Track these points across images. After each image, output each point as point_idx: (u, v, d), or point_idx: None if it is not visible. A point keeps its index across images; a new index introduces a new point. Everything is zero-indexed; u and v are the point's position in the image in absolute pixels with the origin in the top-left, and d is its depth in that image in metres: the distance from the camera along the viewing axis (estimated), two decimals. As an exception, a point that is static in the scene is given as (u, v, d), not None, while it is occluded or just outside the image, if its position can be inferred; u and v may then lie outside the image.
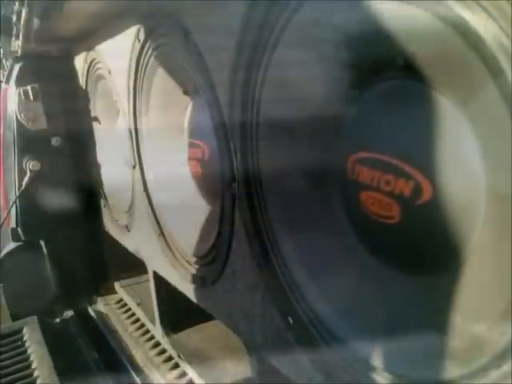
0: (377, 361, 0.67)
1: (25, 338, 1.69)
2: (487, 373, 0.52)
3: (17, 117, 1.82)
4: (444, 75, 0.55)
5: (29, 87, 1.80)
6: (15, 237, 1.95)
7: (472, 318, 0.56)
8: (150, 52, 1.18)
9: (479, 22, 0.45)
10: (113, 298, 2.10)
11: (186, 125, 1.26)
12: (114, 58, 1.45)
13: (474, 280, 0.57)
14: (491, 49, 0.45)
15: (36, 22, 1.19)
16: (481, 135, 0.53)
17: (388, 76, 0.64)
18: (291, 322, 0.83)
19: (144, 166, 1.42)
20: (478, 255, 0.57)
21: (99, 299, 2.11)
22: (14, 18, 1.27)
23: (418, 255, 0.66)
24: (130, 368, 1.59)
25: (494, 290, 0.53)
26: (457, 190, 0.58)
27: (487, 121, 0.51)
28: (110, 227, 1.96)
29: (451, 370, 0.56)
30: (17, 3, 1.16)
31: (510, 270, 0.49)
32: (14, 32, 1.45)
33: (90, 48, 1.66)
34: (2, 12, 1.92)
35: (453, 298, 0.58)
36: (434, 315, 0.61)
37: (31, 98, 1.80)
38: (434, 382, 0.58)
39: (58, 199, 1.97)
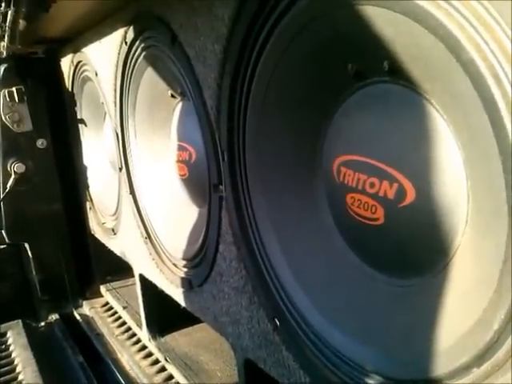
0: (363, 362, 0.68)
1: (9, 342, 1.68)
2: (469, 371, 0.53)
3: (1, 119, 1.81)
4: (427, 81, 0.56)
5: (14, 89, 1.79)
6: (-1, 240, 1.94)
7: (453, 319, 0.57)
8: (137, 54, 1.19)
9: (459, 29, 0.46)
10: (98, 301, 2.08)
11: (172, 127, 1.26)
12: (101, 60, 1.44)
13: (456, 281, 0.58)
14: (470, 55, 0.46)
15: (22, 23, 1.18)
16: (462, 139, 0.54)
17: (373, 81, 0.65)
18: (278, 324, 0.84)
19: (130, 168, 1.41)
20: (461, 256, 0.58)
21: (85, 302, 2.10)
22: (-1, 19, 1.26)
23: (403, 256, 0.67)
24: (116, 371, 1.58)
25: (476, 291, 0.54)
26: (439, 193, 0.59)
27: (468, 125, 0.52)
28: (96, 230, 1.95)
29: (436, 369, 0.57)
30: (3, 4, 1.15)
31: (491, 271, 0.50)
32: (-1, 33, 1.44)
33: (76, 50, 1.65)
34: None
35: (436, 299, 0.59)
36: (418, 317, 0.62)
37: (16, 99, 1.79)
38: (419, 381, 0.59)
39: (43, 202, 1.96)
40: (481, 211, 0.54)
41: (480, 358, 0.52)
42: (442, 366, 0.57)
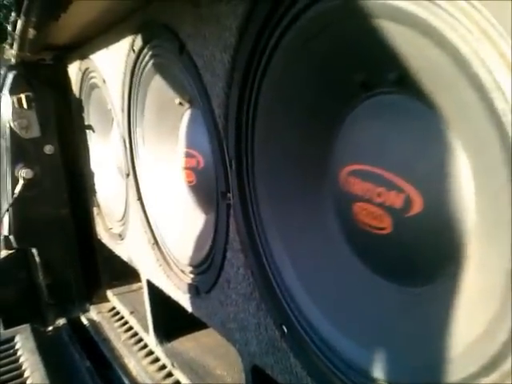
0: (371, 369, 0.69)
1: (17, 347, 1.69)
2: (478, 381, 0.53)
3: (10, 125, 1.83)
4: (434, 92, 0.57)
5: (22, 95, 1.80)
6: (7, 244, 1.95)
7: (462, 327, 0.57)
8: (144, 62, 1.20)
9: (464, 43, 0.47)
10: (105, 306, 2.09)
11: (180, 134, 1.27)
12: (109, 67, 1.46)
13: (463, 290, 0.59)
14: (476, 69, 0.46)
15: (32, 32, 1.20)
16: (469, 150, 0.55)
17: (380, 91, 0.65)
18: (286, 330, 0.84)
19: (138, 174, 1.42)
20: (466, 266, 0.59)
21: (92, 307, 2.11)
22: (9, 27, 1.28)
23: (409, 265, 0.67)
24: (123, 376, 1.59)
25: (481, 301, 0.54)
26: (446, 203, 0.59)
27: (475, 136, 0.52)
28: (103, 235, 1.96)
29: (444, 378, 0.57)
30: (13, 13, 1.17)
31: (496, 282, 0.51)
32: (9, 41, 1.46)
33: (84, 57, 1.67)
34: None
35: (443, 308, 0.60)
36: (426, 325, 0.62)
37: (25, 106, 1.81)
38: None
39: (51, 207, 1.98)
40: (486, 222, 0.54)
41: (488, 368, 0.52)
42: (450, 374, 0.57)
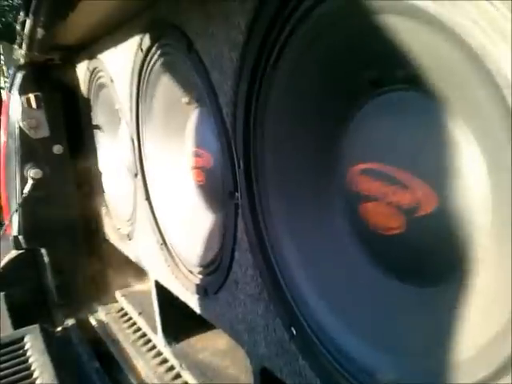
0: (381, 371, 0.67)
1: (26, 347, 1.69)
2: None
3: (19, 125, 1.83)
4: (447, 88, 0.55)
5: (31, 95, 1.81)
6: (17, 245, 1.96)
7: (474, 330, 0.56)
8: (152, 61, 1.19)
9: (480, 38, 0.46)
10: (114, 306, 2.09)
11: (188, 134, 1.26)
12: (117, 66, 1.46)
13: (477, 292, 0.57)
14: (491, 63, 0.45)
15: (40, 32, 1.19)
16: (484, 147, 0.53)
17: (390, 88, 0.64)
18: (295, 332, 0.83)
19: (146, 174, 1.42)
20: (481, 267, 0.57)
21: (100, 308, 2.11)
22: (18, 27, 1.28)
23: (422, 265, 0.66)
24: (131, 378, 1.58)
25: (496, 303, 0.53)
26: (460, 202, 0.58)
27: (490, 133, 0.51)
28: (111, 235, 1.96)
29: (455, 380, 0.56)
30: (21, 13, 1.17)
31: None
32: (18, 41, 1.46)
33: (92, 56, 1.67)
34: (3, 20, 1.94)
35: (456, 309, 0.58)
36: (437, 327, 0.61)
37: (34, 106, 1.81)
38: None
39: (59, 207, 1.98)
40: (501, 221, 0.53)
41: (501, 371, 0.51)
42: (462, 377, 0.56)
